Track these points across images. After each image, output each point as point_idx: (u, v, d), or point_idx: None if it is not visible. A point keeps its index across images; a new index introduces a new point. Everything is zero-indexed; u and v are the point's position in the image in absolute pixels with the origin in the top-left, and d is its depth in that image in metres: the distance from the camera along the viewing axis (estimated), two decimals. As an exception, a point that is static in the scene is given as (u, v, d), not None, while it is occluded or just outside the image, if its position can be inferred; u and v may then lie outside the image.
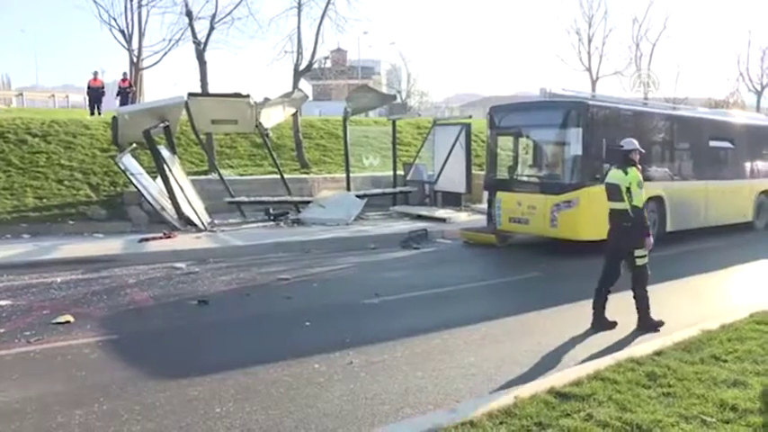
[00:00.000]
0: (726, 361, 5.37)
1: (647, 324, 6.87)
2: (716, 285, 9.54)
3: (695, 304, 7.36)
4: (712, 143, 14.58)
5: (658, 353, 5.60)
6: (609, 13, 36.61)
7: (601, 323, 6.93)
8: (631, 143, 7.14)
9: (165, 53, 24.72)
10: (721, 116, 16.56)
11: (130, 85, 24.41)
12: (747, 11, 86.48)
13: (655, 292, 7.23)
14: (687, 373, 5.03)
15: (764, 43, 39.98)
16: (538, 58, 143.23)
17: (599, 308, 6.99)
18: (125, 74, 24.99)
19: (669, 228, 12.84)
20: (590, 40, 36.40)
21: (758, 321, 6.59)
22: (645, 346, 5.90)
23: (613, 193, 7.03)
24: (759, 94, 39.64)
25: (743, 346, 5.72)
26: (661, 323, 6.85)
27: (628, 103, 14.12)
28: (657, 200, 12.72)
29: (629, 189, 6.84)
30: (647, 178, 12.81)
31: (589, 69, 36.34)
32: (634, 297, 6.99)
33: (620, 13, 53.16)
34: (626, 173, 6.91)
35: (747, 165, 15.51)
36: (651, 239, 7.05)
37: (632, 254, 6.97)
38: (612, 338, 6.54)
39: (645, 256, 6.99)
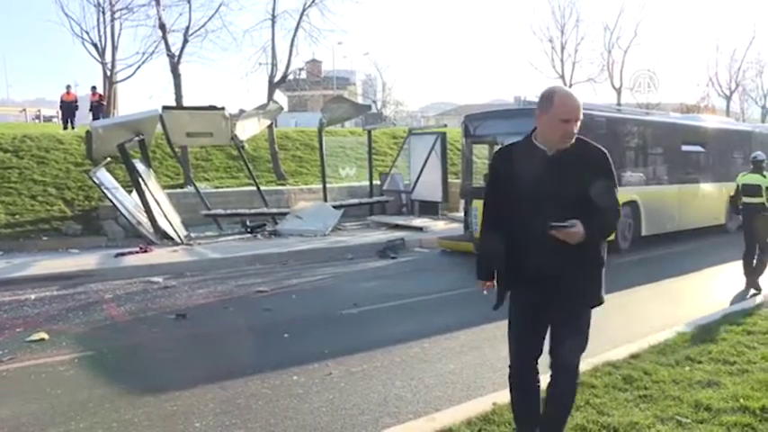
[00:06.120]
0: (700, 362, 5.46)
1: (755, 284, 9.01)
2: (692, 287, 9.69)
3: (672, 306, 7.47)
4: (685, 147, 14.84)
5: (635, 356, 5.67)
6: (581, 21, 36.72)
7: (754, 283, 9.04)
8: (762, 155, 9.34)
9: (139, 66, 24.37)
10: (693, 121, 16.84)
11: (101, 99, 24.13)
12: (715, 18, 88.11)
13: (633, 294, 7.40)
14: (662, 376, 5.09)
15: (732, 49, 40.47)
16: (512, 66, 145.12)
17: (748, 274, 9.16)
18: (94, 88, 24.66)
19: (644, 232, 13.02)
20: (563, 48, 36.65)
21: (730, 322, 6.73)
22: (621, 349, 5.96)
23: (753, 190, 9.12)
24: (728, 98, 40.36)
25: (716, 347, 5.82)
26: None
27: (601, 109, 14.31)
28: (632, 204, 12.90)
29: (767, 188, 9.01)
30: (621, 183, 13.17)
31: (562, 76, 36.61)
32: (758, 262, 9.13)
33: (592, 21, 53.52)
34: (764, 176, 9.04)
35: (719, 168, 15.78)
36: None
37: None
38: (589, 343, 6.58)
39: None
